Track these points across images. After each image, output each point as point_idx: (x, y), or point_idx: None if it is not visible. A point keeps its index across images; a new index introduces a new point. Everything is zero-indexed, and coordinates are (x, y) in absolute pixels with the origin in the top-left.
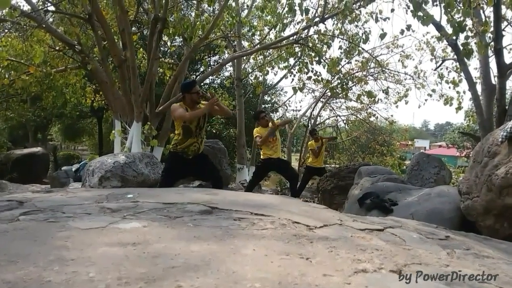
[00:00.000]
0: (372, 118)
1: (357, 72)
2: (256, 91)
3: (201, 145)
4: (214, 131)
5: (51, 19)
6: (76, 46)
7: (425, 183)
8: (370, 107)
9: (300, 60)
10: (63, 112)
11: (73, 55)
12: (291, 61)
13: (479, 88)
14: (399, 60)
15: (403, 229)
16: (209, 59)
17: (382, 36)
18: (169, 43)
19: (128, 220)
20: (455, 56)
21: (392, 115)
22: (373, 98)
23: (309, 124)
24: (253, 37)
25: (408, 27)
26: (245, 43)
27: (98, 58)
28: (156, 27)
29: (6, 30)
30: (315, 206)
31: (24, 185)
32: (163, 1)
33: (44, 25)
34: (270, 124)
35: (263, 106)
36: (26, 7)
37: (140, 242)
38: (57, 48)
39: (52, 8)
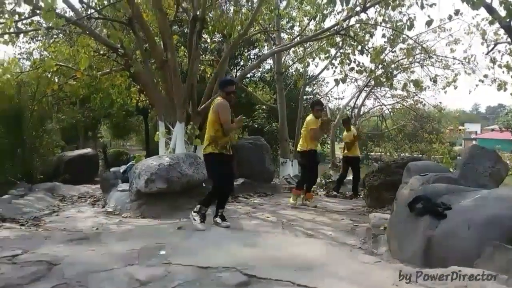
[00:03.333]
0: (418, 105)
1: (402, 59)
2: (297, 84)
3: None
4: (256, 125)
5: (94, 24)
6: (119, 50)
7: (479, 177)
8: (416, 95)
9: (341, 51)
10: (110, 112)
11: (116, 58)
12: (332, 51)
13: None
14: (446, 45)
15: None
16: (248, 53)
17: (429, 23)
18: (209, 40)
19: None
20: (509, 39)
21: (440, 102)
22: (419, 87)
23: (353, 115)
24: (292, 30)
25: (457, 12)
26: (285, 36)
27: (140, 60)
28: (195, 26)
29: (55, 36)
30: (366, 262)
31: (76, 186)
32: (201, 1)
33: (88, 31)
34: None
35: (304, 97)
36: (70, 13)
37: None
38: (101, 52)
39: (95, 14)
